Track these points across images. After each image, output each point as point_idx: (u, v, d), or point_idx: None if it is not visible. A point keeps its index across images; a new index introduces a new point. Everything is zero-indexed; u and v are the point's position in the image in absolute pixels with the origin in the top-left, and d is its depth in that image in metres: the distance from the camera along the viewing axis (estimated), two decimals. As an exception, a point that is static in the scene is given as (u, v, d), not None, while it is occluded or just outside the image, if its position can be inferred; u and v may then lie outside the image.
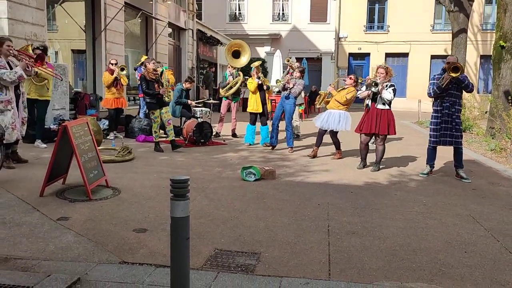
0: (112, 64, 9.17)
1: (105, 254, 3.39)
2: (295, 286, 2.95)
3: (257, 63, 9.08)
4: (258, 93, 8.85)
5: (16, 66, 5.90)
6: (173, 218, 2.54)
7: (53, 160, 4.67)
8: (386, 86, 6.55)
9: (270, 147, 8.47)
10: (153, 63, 7.87)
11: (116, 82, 9.12)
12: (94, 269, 3.10)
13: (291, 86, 8.05)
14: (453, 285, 3.01)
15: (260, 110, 8.89)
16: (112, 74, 9.08)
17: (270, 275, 3.10)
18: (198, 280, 3.00)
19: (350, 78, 7.72)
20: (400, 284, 3.01)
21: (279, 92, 8.45)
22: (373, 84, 6.53)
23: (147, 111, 10.69)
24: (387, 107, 6.59)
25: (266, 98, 8.96)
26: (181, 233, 2.55)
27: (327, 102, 7.83)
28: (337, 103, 7.58)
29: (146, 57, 11.20)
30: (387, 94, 6.50)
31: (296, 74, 8.20)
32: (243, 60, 9.46)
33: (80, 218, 4.13)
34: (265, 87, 8.87)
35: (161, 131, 8.63)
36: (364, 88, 6.82)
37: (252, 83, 8.81)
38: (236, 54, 9.43)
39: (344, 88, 7.68)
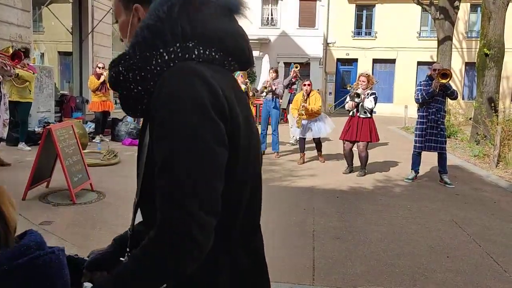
0: (100, 68, 9.06)
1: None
2: (279, 291, 2.96)
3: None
4: None
5: None
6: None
7: (37, 163, 4.61)
8: (368, 94, 6.62)
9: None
10: None
11: (102, 86, 9.02)
12: (77, 274, 3.06)
13: (274, 88, 8.07)
14: (435, 290, 3.05)
15: None
16: (98, 78, 8.97)
17: (254, 280, 3.09)
18: (182, 285, 2.98)
19: (309, 85, 7.69)
20: (383, 289, 3.04)
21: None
22: (355, 95, 6.60)
23: None
24: (368, 115, 6.67)
25: (250, 104, 8.96)
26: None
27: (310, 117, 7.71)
28: (311, 113, 7.58)
29: None
30: (368, 102, 6.57)
31: (273, 75, 8.20)
32: None
33: (63, 222, 4.08)
34: (250, 94, 8.86)
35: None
36: (348, 99, 6.86)
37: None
38: None
39: (307, 96, 7.65)
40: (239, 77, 8.92)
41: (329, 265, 3.40)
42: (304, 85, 7.69)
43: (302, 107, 7.53)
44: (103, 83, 8.97)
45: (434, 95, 6.16)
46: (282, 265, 3.36)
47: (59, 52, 13.99)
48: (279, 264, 3.38)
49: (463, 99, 23.27)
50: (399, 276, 3.24)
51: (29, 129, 8.03)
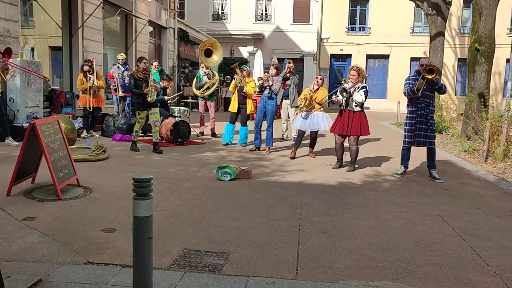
0: (86, 72, 8.99)
1: (70, 254, 3.32)
2: (261, 286, 2.95)
3: (233, 65, 9.10)
4: (236, 93, 8.86)
5: None
6: (135, 218, 2.52)
7: (21, 158, 4.57)
8: (358, 88, 6.61)
9: (255, 149, 8.37)
10: (144, 63, 7.72)
11: (92, 90, 9.01)
12: (57, 270, 3.04)
13: (270, 83, 8.06)
14: (417, 283, 3.05)
15: (235, 110, 8.87)
16: (86, 77, 8.93)
17: (237, 275, 3.09)
18: (164, 280, 2.97)
19: (321, 79, 7.76)
20: (366, 283, 3.03)
21: (260, 92, 8.38)
22: (343, 90, 6.59)
23: (122, 109, 10.59)
24: (359, 109, 6.66)
25: (246, 99, 8.89)
26: (144, 233, 2.53)
27: (311, 108, 7.69)
28: (315, 104, 7.59)
29: (123, 54, 11.08)
30: (358, 96, 6.56)
31: (272, 71, 8.19)
32: (215, 58, 9.35)
33: (47, 218, 4.04)
34: (238, 88, 8.80)
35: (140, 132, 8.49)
36: (338, 94, 6.84)
37: (232, 84, 8.92)
38: (208, 53, 9.32)
39: (316, 89, 7.68)
40: (244, 71, 8.83)
41: (313, 259, 3.39)
42: (317, 78, 7.77)
43: (309, 92, 7.59)
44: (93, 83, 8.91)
45: (416, 94, 6.16)
46: (266, 260, 3.35)
47: (50, 47, 13.85)
48: (263, 259, 3.37)
49: (455, 94, 23.36)
50: (382, 270, 3.24)
51: (17, 124, 7.97)
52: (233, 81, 8.87)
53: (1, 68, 5.72)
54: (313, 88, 7.61)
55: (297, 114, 8.30)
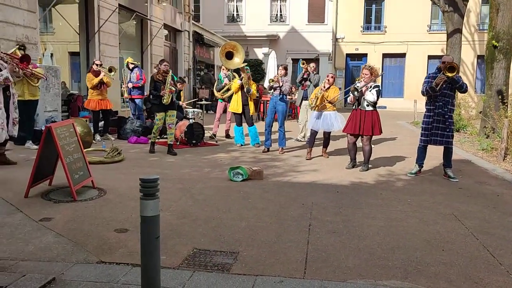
0: (97, 65, 9.08)
1: (84, 254, 3.41)
2: (269, 285, 2.97)
3: (243, 65, 9.10)
4: (239, 94, 8.84)
5: (5, 68, 5.96)
6: (143, 217, 2.57)
7: (38, 161, 4.69)
8: (371, 87, 6.57)
9: (266, 150, 8.38)
10: (165, 65, 7.81)
11: (100, 84, 9.03)
12: (71, 269, 3.12)
13: (280, 84, 8.06)
14: (427, 283, 3.03)
15: (239, 111, 8.87)
16: (97, 76, 9.00)
17: (245, 274, 3.12)
18: (173, 279, 3.01)
19: (332, 77, 7.67)
20: (374, 282, 3.03)
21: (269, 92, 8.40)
22: (354, 90, 6.57)
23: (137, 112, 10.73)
24: (371, 108, 6.61)
25: (249, 99, 8.89)
26: (151, 232, 2.58)
27: (323, 107, 7.67)
28: (327, 103, 7.56)
29: (131, 58, 11.26)
30: (369, 95, 6.52)
31: (282, 72, 8.17)
32: (236, 61, 9.42)
33: (62, 219, 4.15)
34: (244, 89, 8.77)
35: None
36: (350, 92, 6.82)
37: (235, 83, 8.83)
38: (230, 55, 9.40)
39: (327, 88, 7.62)
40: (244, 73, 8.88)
41: (322, 259, 3.40)
42: (327, 76, 7.68)
43: (320, 91, 7.53)
44: (101, 81, 8.99)
45: (435, 91, 6.08)
46: (275, 260, 3.37)
47: (69, 53, 14.15)
48: (272, 258, 3.39)
49: (475, 92, 22.94)
50: (392, 269, 3.23)
51: (36, 128, 8.17)
52: (238, 81, 8.81)
53: (10, 70, 5.87)
54: (324, 87, 7.56)
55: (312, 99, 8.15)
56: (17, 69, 6.16)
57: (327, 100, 7.52)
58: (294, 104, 15.88)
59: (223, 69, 10.23)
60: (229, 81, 9.98)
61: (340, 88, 23.54)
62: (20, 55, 6.80)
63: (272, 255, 3.45)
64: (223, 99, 10.17)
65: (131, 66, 10.71)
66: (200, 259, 3.36)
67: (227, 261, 3.33)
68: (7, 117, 6.01)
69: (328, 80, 7.61)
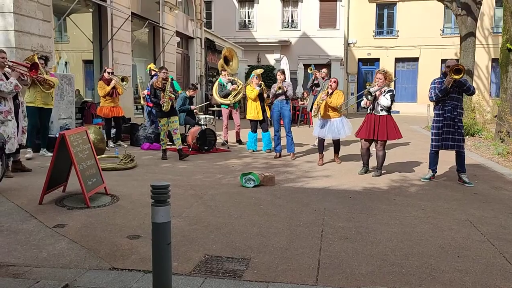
0: (108, 73, 9.16)
1: (96, 260, 3.43)
2: (281, 292, 2.95)
3: (258, 71, 9.08)
4: (258, 101, 8.86)
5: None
6: (154, 224, 2.58)
7: (52, 168, 4.75)
8: (385, 91, 6.52)
9: (278, 156, 8.36)
10: (164, 73, 7.90)
11: (112, 91, 9.11)
12: (84, 276, 3.14)
13: (285, 90, 8.03)
14: (441, 290, 2.97)
15: (261, 118, 8.87)
16: (108, 84, 9.09)
17: (257, 281, 3.10)
18: (185, 285, 3.01)
19: (334, 82, 7.61)
20: (387, 289, 2.98)
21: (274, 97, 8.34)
22: (368, 93, 6.52)
23: (150, 119, 10.80)
24: (385, 112, 6.55)
25: (266, 105, 8.92)
26: (162, 238, 2.59)
27: (326, 116, 7.62)
28: (331, 110, 7.49)
29: (153, 65, 11.32)
30: (383, 100, 6.47)
31: (281, 76, 8.13)
32: (234, 64, 9.53)
33: (75, 225, 4.18)
34: (265, 95, 8.80)
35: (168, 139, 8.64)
36: (364, 96, 6.78)
37: (253, 91, 8.80)
38: (227, 61, 9.49)
39: (331, 93, 7.57)
40: (254, 78, 8.92)
41: (335, 265, 3.37)
42: (330, 81, 7.61)
43: (322, 100, 7.46)
44: (114, 88, 9.08)
45: (447, 92, 6.03)
46: (287, 266, 3.34)
47: (83, 61, 14.37)
48: (284, 265, 3.37)
49: (490, 96, 22.63)
50: (406, 276, 3.18)
51: (51, 135, 8.27)
52: (257, 87, 8.81)
53: (16, 77, 5.97)
54: (328, 93, 7.47)
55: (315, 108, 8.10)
56: (25, 77, 6.25)
57: (329, 107, 7.43)
58: (305, 109, 15.87)
59: (224, 75, 10.16)
60: (235, 85, 9.96)
61: (352, 93, 23.51)
62: (37, 61, 6.91)
63: (284, 262, 3.43)
64: (228, 105, 10.13)
65: (152, 73, 10.76)
66: (212, 266, 3.35)
67: (239, 268, 3.32)
68: (17, 126, 6.10)
69: (331, 85, 7.50)
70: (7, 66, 6.01)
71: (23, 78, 6.09)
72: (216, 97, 10.09)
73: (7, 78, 5.93)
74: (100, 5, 11.32)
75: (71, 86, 9.23)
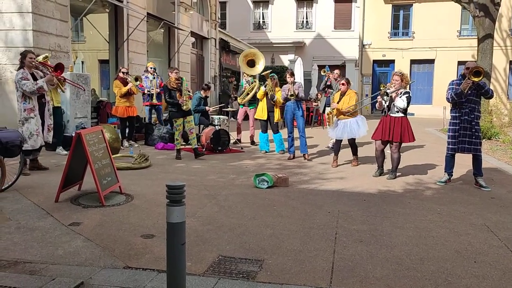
0: (123, 73, 9.21)
1: (111, 259, 3.45)
2: (294, 294, 2.94)
3: (265, 72, 9.09)
4: (265, 101, 8.85)
5: (41, 77, 6.17)
6: (169, 224, 2.59)
7: (68, 167, 4.81)
8: (401, 93, 6.46)
9: (292, 157, 8.34)
10: (176, 73, 7.97)
11: (127, 91, 9.18)
12: (99, 274, 3.17)
13: (296, 92, 8.00)
14: (458, 296, 2.93)
15: (265, 118, 8.86)
16: (124, 83, 9.13)
17: (270, 282, 3.09)
18: (198, 285, 3.02)
19: (343, 84, 7.58)
20: (402, 294, 2.95)
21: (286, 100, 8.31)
22: (384, 94, 6.48)
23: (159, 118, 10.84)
24: (401, 114, 6.49)
25: (274, 107, 8.86)
26: (177, 238, 2.59)
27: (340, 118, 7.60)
28: (345, 113, 7.46)
29: (152, 63, 11.34)
30: (399, 102, 6.40)
31: (290, 79, 8.09)
32: (259, 67, 9.53)
33: (90, 224, 4.22)
34: (269, 96, 8.74)
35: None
36: (379, 98, 6.73)
37: (260, 91, 8.88)
38: (252, 63, 9.48)
39: (343, 95, 7.53)
40: (272, 79, 8.87)
41: (349, 268, 3.34)
42: (340, 82, 7.59)
43: (332, 109, 7.48)
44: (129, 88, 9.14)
45: (463, 95, 5.94)
46: (301, 268, 3.33)
47: (99, 60, 14.52)
48: (297, 267, 3.35)
49: (508, 99, 22.25)
50: (421, 281, 3.14)
51: (67, 134, 8.38)
52: (263, 88, 8.83)
53: (48, 81, 6.06)
54: (338, 98, 7.47)
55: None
56: (55, 79, 6.37)
57: (341, 111, 7.41)
58: (319, 110, 15.80)
59: (245, 75, 10.29)
60: (249, 85, 10.03)
61: (367, 95, 23.28)
62: (49, 63, 7.00)
63: (298, 264, 3.41)
64: (243, 105, 10.23)
65: (151, 71, 10.69)
66: (225, 266, 3.36)
67: (252, 269, 3.31)
68: (42, 124, 6.21)
69: (340, 89, 7.50)
70: (34, 67, 6.14)
71: (53, 82, 6.20)
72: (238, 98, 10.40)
73: (34, 78, 6.05)
74: (116, 6, 11.43)
75: (87, 85, 9.33)
